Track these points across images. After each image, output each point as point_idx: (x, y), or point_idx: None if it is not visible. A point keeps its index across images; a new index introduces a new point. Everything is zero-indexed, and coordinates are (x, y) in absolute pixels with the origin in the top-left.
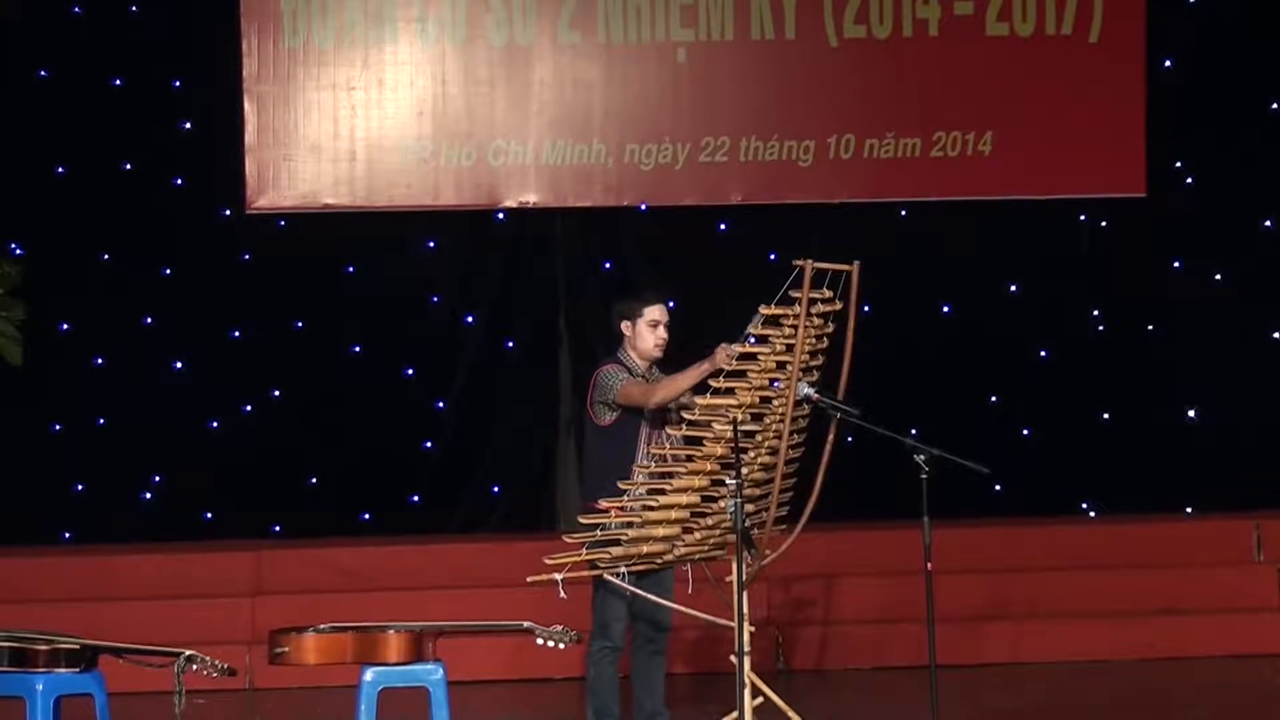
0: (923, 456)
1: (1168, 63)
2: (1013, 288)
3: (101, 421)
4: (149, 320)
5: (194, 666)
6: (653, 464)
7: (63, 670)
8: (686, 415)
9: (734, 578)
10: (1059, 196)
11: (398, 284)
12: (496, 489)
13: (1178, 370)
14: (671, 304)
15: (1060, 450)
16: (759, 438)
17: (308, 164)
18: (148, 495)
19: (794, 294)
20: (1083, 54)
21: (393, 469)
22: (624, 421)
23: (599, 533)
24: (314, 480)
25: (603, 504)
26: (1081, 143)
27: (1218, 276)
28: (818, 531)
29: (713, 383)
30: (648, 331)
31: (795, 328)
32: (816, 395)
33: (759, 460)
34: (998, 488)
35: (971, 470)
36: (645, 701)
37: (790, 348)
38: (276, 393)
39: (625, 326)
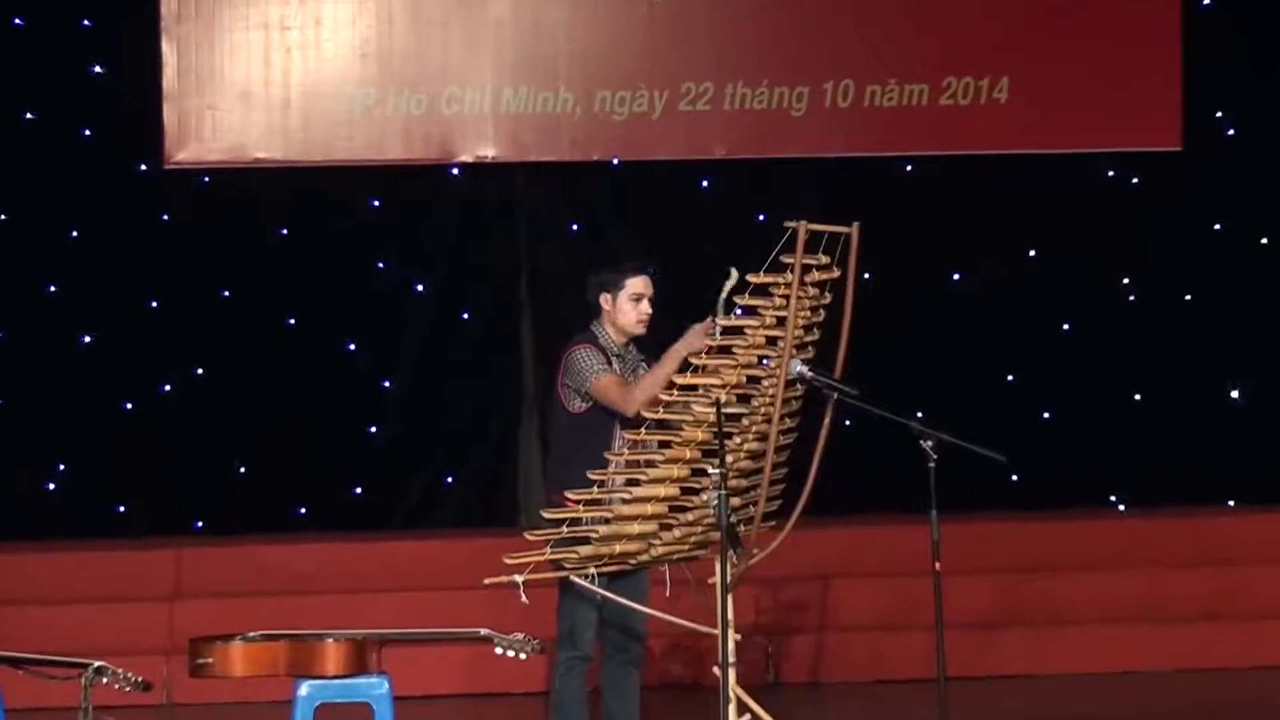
0: (930, 442)
1: (1206, 0)
2: (1032, 253)
3: (0, 403)
4: (53, 288)
5: (104, 679)
6: (627, 451)
7: None
8: (663, 396)
9: (717, 580)
10: (1084, 150)
11: (338, 248)
12: (449, 479)
13: (1219, 346)
14: (652, 271)
15: (1086, 435)
16: (746, 422)
17: (235, 113)
18: (51, 486)
19: (786, 259)
20: None
21: (332, 456)
22: (598, 407)
23: (565, 529)
24: (242, 469)
25: (570, 496)
26: (1109, 90)
27: (1264, 240)
28: (812, 528)
29: (694, 360)
30: (629, 306)
31: (787, 298)
32: (811, 374)
33: (746, 447)
34: (1015, 478)
35: (985, 458)
36: (618, 717)
37: (781, 320)
38: (199, 370)
39: (604, 300)
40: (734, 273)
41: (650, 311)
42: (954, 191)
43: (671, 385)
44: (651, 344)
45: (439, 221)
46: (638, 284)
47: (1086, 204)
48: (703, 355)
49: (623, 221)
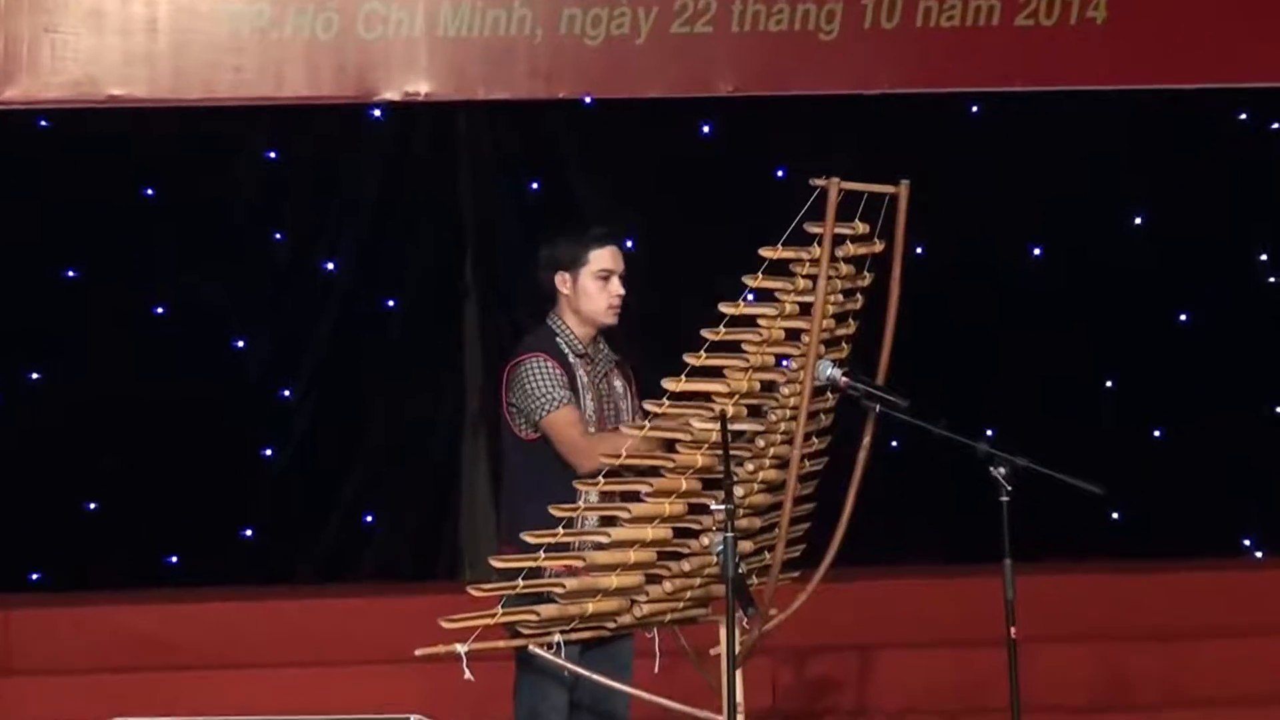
0: (1004, 470)
1: None
2: (1137, 220)
3: None
4: None
5: None
6: (602, 480)
7: None
8: (652, 408)
9: (722, 649)
10: (1205, 86)
11: (221, 215)
12: (370, 517)
13: None
14: (630, 244)
15: (1210, 461)
16: (760, 442)
17: (83, 37)
18: None
19: (812, 228)
20: None
21: (214, 488)
22: None
23: (522, 583)
24: (93, 505)
25: (528, 539)
26: (1239, 7)
27: None
28: (847, 580)
29: (691, 360)
30: (595, 288)
31: (814, 278)
32: (845, 379)
33: (760, 476)
34: (1115, 515)
35: (1077, 489)
36: None
37: (807, 308)
38: (34, 374)
39: (561, 281)
40: (763, 253)
41: (622, 293)
42: (1033, 139)
43: (662, 393)
44: (630, 339)
45: (356, 179)
46: (604, 257)
47: (1209, 156)
48: (702, 355)
49: (597, 179)
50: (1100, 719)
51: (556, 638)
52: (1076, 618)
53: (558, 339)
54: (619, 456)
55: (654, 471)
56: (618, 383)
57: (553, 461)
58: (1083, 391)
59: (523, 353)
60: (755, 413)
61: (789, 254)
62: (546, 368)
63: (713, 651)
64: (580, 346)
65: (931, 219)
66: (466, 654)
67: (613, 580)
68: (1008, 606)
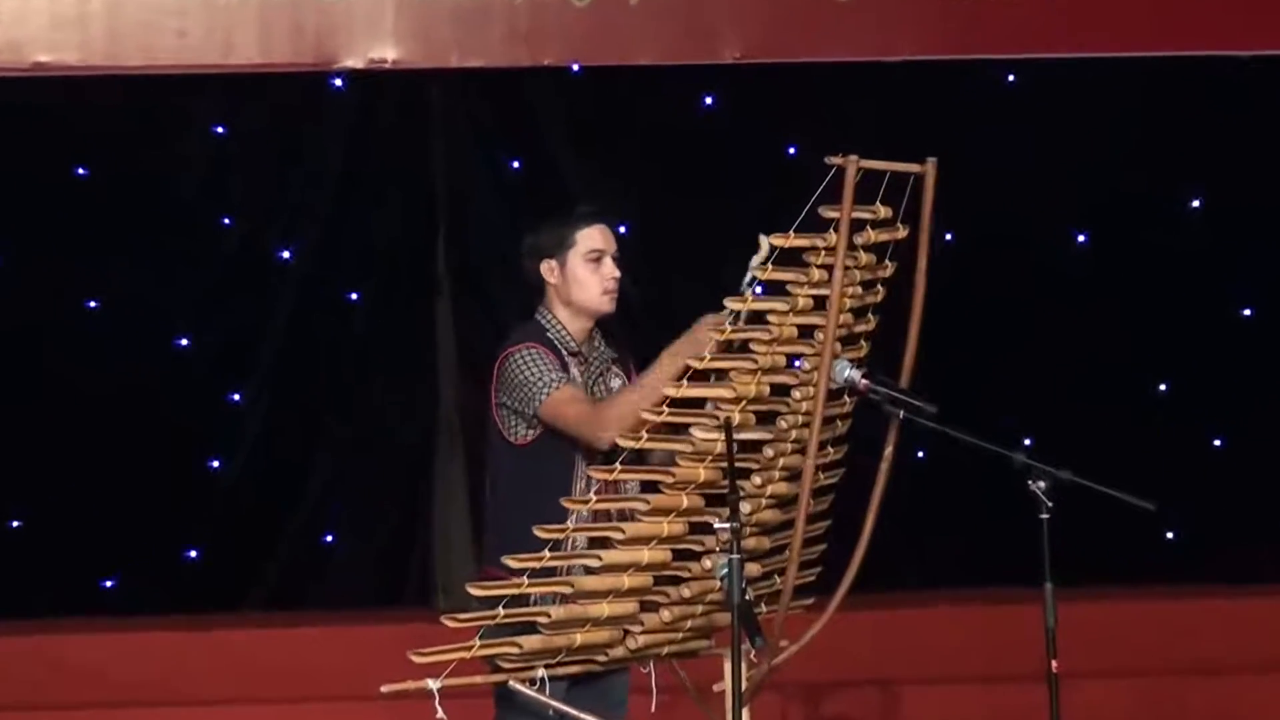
0: (1044, 483)
1: None
2: (1193, 203)
3: None
4: None
5: None
6: (594, 495)
7: None
8: (650, 416)
9: (727, 685)
10: (1263, 53)
11: (164, 197)
12: (330, 537)
13: None
14: (623, 229)
15: (1276, 473)
16: (770, 452)
17: (8, 0)
18: None
19: (828, 212)
20: None
21: (156, 504)
22: (552, 435)
23: (502, 611)
24: (17, 523)
25: (509, 563)
26: None
27: None
28: (867, 608)
29: (693, 363)
30: (586, 271)
31: (829, 268)
32: (865, 381)
33: (770, 490)
34: (1169, 535)
35: (1126, 506)
36: None
37: (822, 302)
38: None
39: (548, 269)
40: (765, 242)
41: (618, 275)
42: (1074, 112)
43: (662, 400)
44: (624, 333)
45: (315, 156)
46: (592, 236)
47: (1273, 132)
48: (704, 359)
49: (585, 157)
50: None
51: (540, 672)
52: (1124, 649)
53: (548, 334)
54: (639, 425)
55: (652, 487)
56: (615, 382)
57: (547, 465)
58: (1132, 395)
59: (510, 346)
60: (765, 420)
61: (802, 242)
62: (536, 354)
63: (716, 688)
64: (573, 344)
65: (961, 201)
66: (439, 690)
67: (604, 608)
68: (1048, 636)
